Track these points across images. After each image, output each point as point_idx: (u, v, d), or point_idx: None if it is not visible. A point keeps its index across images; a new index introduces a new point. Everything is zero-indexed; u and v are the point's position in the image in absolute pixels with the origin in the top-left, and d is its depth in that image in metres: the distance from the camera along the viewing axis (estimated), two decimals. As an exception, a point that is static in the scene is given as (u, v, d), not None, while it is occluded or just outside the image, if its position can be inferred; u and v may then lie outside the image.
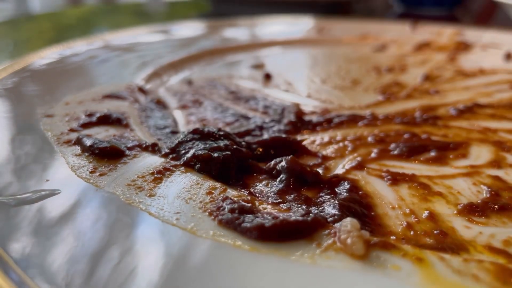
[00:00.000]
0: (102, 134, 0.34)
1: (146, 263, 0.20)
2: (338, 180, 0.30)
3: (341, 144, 0.37)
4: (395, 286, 0.19)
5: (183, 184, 0.27)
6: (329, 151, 0.36)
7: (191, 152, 0.30)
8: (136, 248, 0.21)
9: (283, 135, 0.36)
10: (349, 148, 0.36)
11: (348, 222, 0.22)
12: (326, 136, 0.39)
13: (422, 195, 0.29)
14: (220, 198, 0.25)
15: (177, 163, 0.30)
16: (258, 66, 0.65)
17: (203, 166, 0.29)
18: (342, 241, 0.21)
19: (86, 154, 0.30)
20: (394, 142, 0.37)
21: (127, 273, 0.20)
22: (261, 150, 0.33)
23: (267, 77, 0.59)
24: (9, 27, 1.01)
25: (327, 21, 0.94)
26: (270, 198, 0.28)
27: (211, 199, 0.25)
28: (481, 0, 1.40)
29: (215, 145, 0.30)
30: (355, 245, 0.21)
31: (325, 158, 0.34)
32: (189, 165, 0.29)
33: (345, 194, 0.28)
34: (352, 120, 0.43)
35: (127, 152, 0.31)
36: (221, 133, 0.32)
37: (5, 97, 0.41)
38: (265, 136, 0.37)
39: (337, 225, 0.22)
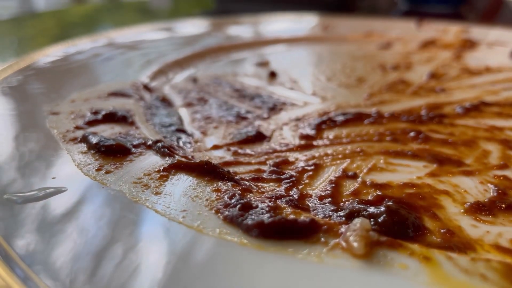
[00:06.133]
0: (108, 132, 0.34)
1: (151, 260, 0.20)
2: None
3: (344, 140, 0.37)
4: (403, 285, 0.19)
5: (189, 182, 0.27)
6: (334, 149, 0.36)
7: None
8: (142, 246, 0.21)
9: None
10: (352, 147, 0.36)
11: (358, 222, 0.22)
12: (331, 134, 0.39)
13: (429, 194, 0.29)
14: (227, 196, 0.25)
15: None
16: (263, 64, 0.65)
17: None
18: (345, 239, 0.21)
19: (92, 151, 0.30)
20: (400, 140, 0.37)
21: (132, 270, 0.20)
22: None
23: (272, 74, 0.59)
24: (14, 24, 1.01)
25: (332, 19, 0.94)
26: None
27: (218, 196, 0.25)
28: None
29: None
30: (356, 244, 0.21)
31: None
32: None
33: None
34: (358, 118, 0.42)
35: (133, 149, 0.31)
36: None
37: (11, 95, 0.41)
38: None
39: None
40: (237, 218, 0.23)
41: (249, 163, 0.33)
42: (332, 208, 0.27)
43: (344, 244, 0.21)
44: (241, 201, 0.24)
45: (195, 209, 0.24)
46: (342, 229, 0.22)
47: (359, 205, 0.26)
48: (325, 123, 0.41)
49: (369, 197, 0.28)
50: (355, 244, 0.21)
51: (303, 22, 0.95)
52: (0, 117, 0.36)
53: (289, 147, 0.36)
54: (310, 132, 0.39)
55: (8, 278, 0.19)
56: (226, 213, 0.23)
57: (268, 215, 0.23)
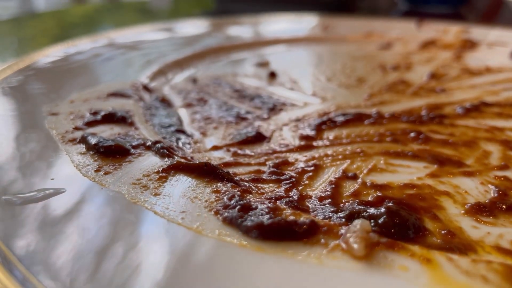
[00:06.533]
0: (107, 133, 0.34)
1: (150, 261, 0.20)
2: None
3: (344, 141, 0.37)
4: (403, 287, 0.19)
5: (188, 183, 0.27)
6: (334, 150, 0.36)
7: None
8: (140, 248, 0.21)
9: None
10: (352, 147, 0.36)
11: (358, 223, 0.22)
12: (331, 135, 0.39)
13: (429, 194, 0.29)
14: (226, 197, 0.25)
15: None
16: (263, 64, 0.64)
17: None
18: (345, 241, 0.21)
19: (91, 152, 0.30)
20: (400, 141, 0.37)
21: (132, 270, 0.19)
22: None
23: (272, 75, 0.58)
24: (14, 25, 1.01)
25: (332, 19, 0.94)
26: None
27: (217, 198, 0.25)
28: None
29: None
30: (356, 245, 0.21)
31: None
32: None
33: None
34: (358, 118, 0.42)
35: (132, 150, 0.31)
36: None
37: (10, 95, 0.41)
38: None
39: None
40: (236, 220, 0.23)
41: (248, 164, 0.33)
42: (332, 209, 0.26)
43: (344, 245, 0.21)
44: (241, 202, 0.24)
45: (194, 210, 0.24)
46: (342, 231, 0.22)
47: (359, 206, 0.26)
48: (325, 124, 0.41)
49: (369, 198, 0.28)
50: (355, 246, 0.21)
51: (303, 22, 0.95)
52: (-1, 117, 0.35)
53: (289, 148, 0.36)
54: (310, 132, 0.39)
55: (5, 280, 0.19)
56: (226, 214, 0.23)
57: (267, 216, 0.23)
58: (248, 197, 0.25)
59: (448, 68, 0.63)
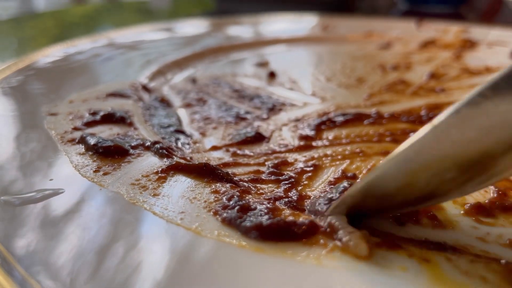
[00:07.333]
0: (106, 133, 0.34)
1: (150, 261, 0.20)
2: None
3: (344, 141, 0.37)
4: (402, 287, 0.19)
5: (187, 184, 0.27)
6: (333, 150, 0.36)
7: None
8: (139, 249, 0.21)
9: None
10: (352, 147, 0.36)
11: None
12: (331, 135, 0.39)
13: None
14: (225, 197, 0.25)
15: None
16: (263, 64, 0.64)
17: None
18: (344, 242, 0.21)
19: (90, 153, 0.30)
20: (400, 141, 0.37)
21: (132, 270, 0.19)
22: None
23: (272, 75, 0.58)
24: (14, 25, 1.01)
25: (331, 19, 0.94)
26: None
27: (216, 198, 0.25)
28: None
29: None
30: (358, 246, 0.21)
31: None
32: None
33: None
34: (358, 118, 0.42)
35: (131, 151, 0.31)
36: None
37: (10, 95, 0.41)
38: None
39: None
40: (235, 220, 0.23)
41: (248, 164, 0.33)
42: (331, 209, 0.26)
43: (343, 246, 0.21)
44: (240, 202, 0.24)
45: (193, 210, 0.24)
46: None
47: (359, 207, 0.26)
48: (324, 124, 0.41)
49: (369, 198, 0.28)
50: (358, 247, 0.20)
51: (303, 22, 0.95)
52: (-2, 118, 0.35)
53: (288, 148, 0.36)
54: (310, 132, 0.39)
55: (4, 281, 0.19)
56: (225, 215, 0.23)
57: (266, 217, 0.23)
58: (247, 197, 0.25)
59: (448, 68, 0.63)
